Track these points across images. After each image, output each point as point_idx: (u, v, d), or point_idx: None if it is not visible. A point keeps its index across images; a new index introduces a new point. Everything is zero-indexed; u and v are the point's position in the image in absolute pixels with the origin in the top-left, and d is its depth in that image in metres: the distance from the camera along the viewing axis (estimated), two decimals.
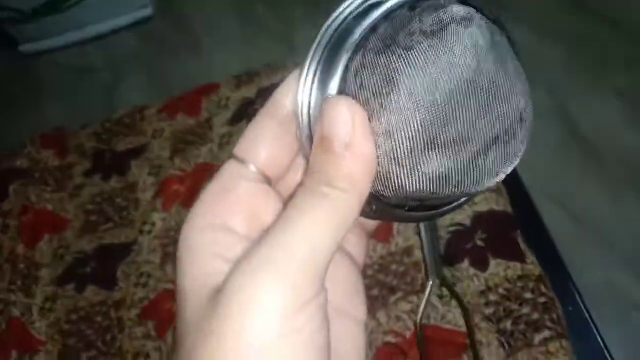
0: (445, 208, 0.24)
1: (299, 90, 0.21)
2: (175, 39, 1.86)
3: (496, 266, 0.64)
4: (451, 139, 0.19)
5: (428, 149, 0.19)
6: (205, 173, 0.85)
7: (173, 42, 1.86)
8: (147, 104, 0.99)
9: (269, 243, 0.18)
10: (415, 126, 0.19)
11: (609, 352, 0.62)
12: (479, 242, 0.66)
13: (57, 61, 1.95)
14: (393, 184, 0.20)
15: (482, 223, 0.67)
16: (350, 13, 0.21)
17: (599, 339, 0.63)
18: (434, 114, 0.19)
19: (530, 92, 0.22)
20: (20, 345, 0.77)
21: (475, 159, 0.20)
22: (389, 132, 0.19)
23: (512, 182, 0.74)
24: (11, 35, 1.89)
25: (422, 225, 0.25)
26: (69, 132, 1.00)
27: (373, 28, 0.20)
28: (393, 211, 0.22)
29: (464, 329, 0.60)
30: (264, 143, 0.21)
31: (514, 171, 0.77)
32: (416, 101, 0.19)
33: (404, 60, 0.19)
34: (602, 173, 1.15)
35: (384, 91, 0.19)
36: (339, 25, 0.21)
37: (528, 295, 0.61)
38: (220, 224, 0.19)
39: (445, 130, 0.19)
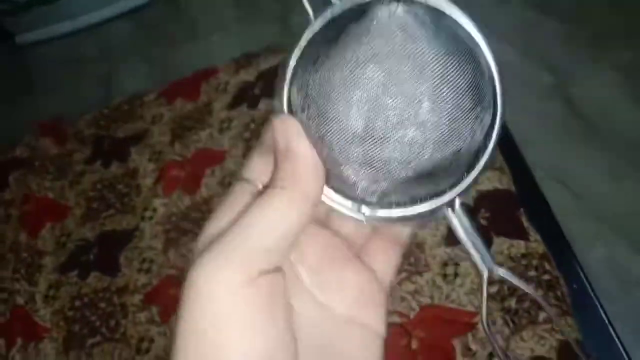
0: (460, 187, 0.23)
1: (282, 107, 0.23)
2: (171, 24, 1.84)
3: (500, 244, 0.63)
4: (388, 126, 0.20)
5: (369, 144, 0.20)
6: (205, 158, 0.85)
7: (169, 28, 1.84)
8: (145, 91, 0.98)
9: (226, 232, 0.21)
10: (348, 130, 0.20)
11: (614, 329, 0.62)
12: (483, 221, 0.66)
13: (52, 52, 1.93)
14: (353, 185, 0.22)
15: (485, 202, 0.67)
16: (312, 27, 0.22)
17: (603, 316, 0.63)
18: (359, 114, 0.20)
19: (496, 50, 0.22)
20: (25, 333, 0.77)
21: (432, 127, 0.20)
22: (326, 140, 0.21)
23: (514, 160, 0.74)
24: (6, 27, 1.87)
25: (449, 214, 0.24)
26: (67, 120, 0.99)
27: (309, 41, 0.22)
28: (393, 211, 0.23)
29: (469, 308, 0.60)
30: (268, 166, 0.23)
31: (516, 149, 0.76)
32: (338, 109, 0.20)
33: (315, 78, 0.21)
34: (603, 150, 1.14)
35: (309, 105, 0.21)
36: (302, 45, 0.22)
37: (532, 273, 0.61)
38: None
39: (379, 122, 0.20)
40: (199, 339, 0.20)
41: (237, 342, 0.20)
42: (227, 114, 0.88)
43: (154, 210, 0.83)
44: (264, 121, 0.86)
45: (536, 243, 0.63)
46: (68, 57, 1.90)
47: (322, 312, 0.24)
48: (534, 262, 0.61)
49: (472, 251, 0.24)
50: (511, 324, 0.58)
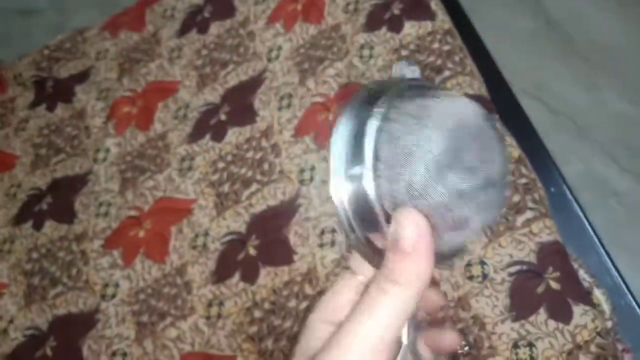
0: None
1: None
2: None
3: None
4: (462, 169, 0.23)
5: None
6: (157, 91, 0.79)
7: None
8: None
9: (344, 329, 0.23)
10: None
11: (594, 230, 0.60)
12: None
13: (1, 4, 1.80)
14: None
15: None
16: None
17: (582, 218, 0.61)
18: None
19: None
20: None
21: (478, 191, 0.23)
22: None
23: (490, 73, 0.70)
24: None
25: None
26: (5, 64, 0.91)
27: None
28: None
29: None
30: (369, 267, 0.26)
31: (492, 62, 0.71)
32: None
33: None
34: (577, 59, 1.11)
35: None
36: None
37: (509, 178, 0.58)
38: (332, 320, 0.26)
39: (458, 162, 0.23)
40: None
41: None
42: (176, 42, 0.81)
43: (107, 150, 0.78)
44: (216, 46, 0.79)
45: (511, 148, 0.60)
46: (14, 9, 1.78)
47: None
48: (510, 167, 0.58)
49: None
50: (488, 232, 0.56)
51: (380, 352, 0.23)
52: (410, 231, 0.22)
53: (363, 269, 0.26)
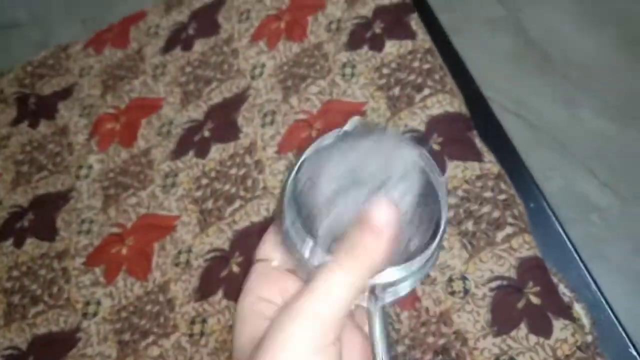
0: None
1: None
2: None
3: (454, 168, 0.61)
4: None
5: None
6: (140, 108, 0.79)
7: None
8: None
9: (298, 302, 0.24)
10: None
11: (573, 245, 0.61)
12: (435, 147, 0.63)
13: None
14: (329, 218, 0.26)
15: (436, 126, 0.63)
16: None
17: (562, 232, 0.62)
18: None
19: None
20: None
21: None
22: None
23: (469, 89, 0.71)
24: None
25: (372, 309, 0.26)
26: None
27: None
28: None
29: None
30: (277, 245, 0.28)
31: (471, 80, 0.72)
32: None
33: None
34: (556, 77, 1.13)
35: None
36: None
37: (488, 194, 0.59)
38: (263, 298, 0.27)
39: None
40: None
41: None
42: (160, 59, 0.82)
43: (90, 167, 0.77)
44: (200, 64, 0.80)
45: (491, 164, 0.61)
46: None
47: None
48: (490, 183, 0.59)
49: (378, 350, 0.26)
50: (469, 247, 0.56)
51: (330, 328, 0.24)
52: (384, 215, 0.25)
53: (274, 255, 0.28)
